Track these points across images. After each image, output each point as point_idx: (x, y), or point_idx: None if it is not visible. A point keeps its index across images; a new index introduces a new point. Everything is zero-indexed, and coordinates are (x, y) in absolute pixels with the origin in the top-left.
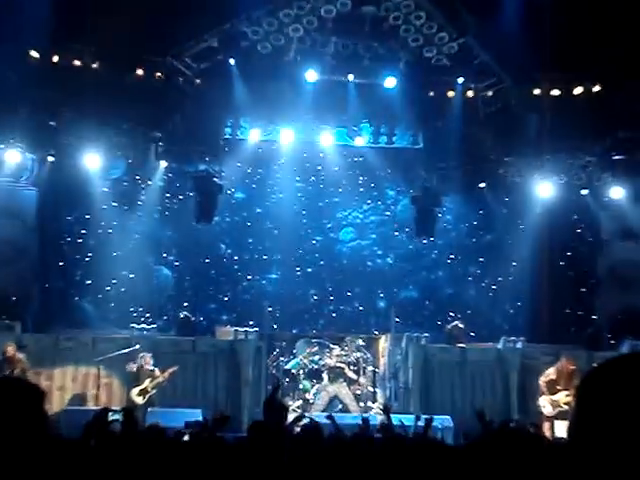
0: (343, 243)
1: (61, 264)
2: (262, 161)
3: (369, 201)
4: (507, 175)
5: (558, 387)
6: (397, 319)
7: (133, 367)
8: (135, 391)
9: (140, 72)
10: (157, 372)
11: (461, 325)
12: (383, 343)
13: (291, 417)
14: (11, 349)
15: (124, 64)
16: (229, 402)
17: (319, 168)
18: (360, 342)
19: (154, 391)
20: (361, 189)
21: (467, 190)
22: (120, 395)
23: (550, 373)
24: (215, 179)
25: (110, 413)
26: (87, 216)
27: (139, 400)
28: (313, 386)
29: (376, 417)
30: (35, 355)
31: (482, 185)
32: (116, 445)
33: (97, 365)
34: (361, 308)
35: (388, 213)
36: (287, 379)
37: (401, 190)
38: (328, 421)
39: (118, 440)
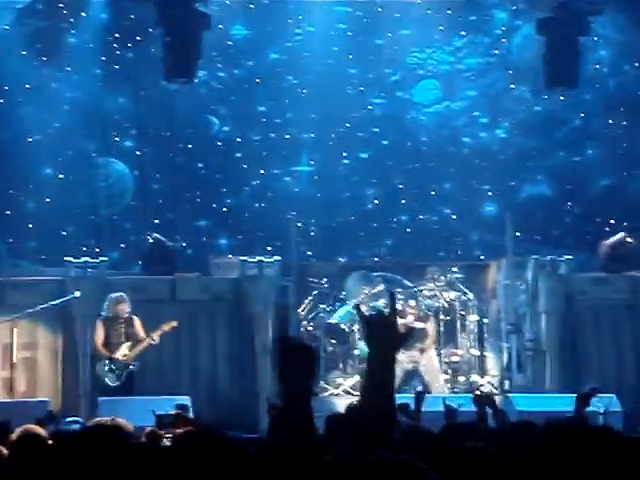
0: (420, 107)
1: None
2: None
3: (463, 32)
4: None
5: None
6: (517, 233)
7: (98, 324)
8: (104, 366)
9: None
10: (139, 326)
11: (630, 239)
12: (494, 275)
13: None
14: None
15: None
16: (235, 382)
17: None
18: (455, 274)
19: (137, 364)
20: (449, 11)
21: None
22: (50, 379)
23: None
24: (196, 4)
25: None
26: None
27: (111, 380)
28: None
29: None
30: None
31: None
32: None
33: (9, 328)
34: (455, 217)
35: (497, 51)
36: (332, 339)
37: (520, 10)
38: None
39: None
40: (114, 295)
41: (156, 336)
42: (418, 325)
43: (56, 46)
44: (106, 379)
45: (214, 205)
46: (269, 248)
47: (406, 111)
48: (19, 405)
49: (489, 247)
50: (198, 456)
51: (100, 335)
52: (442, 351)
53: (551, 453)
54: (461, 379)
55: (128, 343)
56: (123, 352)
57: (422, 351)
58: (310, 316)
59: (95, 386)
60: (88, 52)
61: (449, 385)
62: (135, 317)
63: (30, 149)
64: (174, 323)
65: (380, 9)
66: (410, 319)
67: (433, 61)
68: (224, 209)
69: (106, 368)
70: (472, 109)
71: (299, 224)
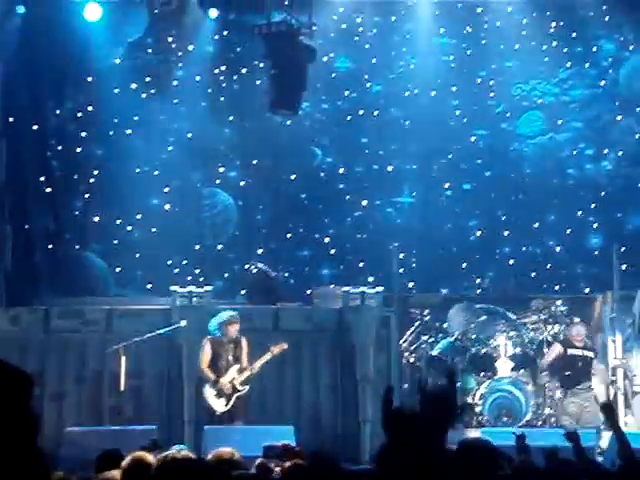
0: (524, 139)
1: (48, 190)
2: (381, 4)
3: (568, 63)
4: None
5: None
6: (624, 266)
7: (205, 344)
8: (210, 390)
9: None
10: (246, 349)
11: None
12: (600, 308)
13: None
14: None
15: None
16: (337, 412)
17: (479, 11)
18: (559, 307)
19: (245, 388)
20: (554, 42)
21: None
22: (156, 406)
23: None
24: (302, 37)
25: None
26: (89, 107)
27: (219, 405)
28: (480, 384)
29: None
30: (12, 342)
31: None
32: None
33: (117, 357)
34: (559, 249)
35: (603, 83)
36: (434, 371)
37: (627, 40)
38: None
39: None
40: (227, 314)
41: (268, 357)
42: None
43: (164, 79)
44: (213, 405)
45: (316, 235)
46: (371, 279)
47: (510, 143)
48: (126, 432)
49: (594, 280)
50: None
51: (207, 355)
52: (546, 385)
53: None
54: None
55: (237, 366)
56: (231, 376)
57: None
58: (412, 348)
59: (201, 413)
60: (195, 84)
61: (552, 419)
62: (244, 339)
63: (137, 180)
64: (284, 345)
65: (484, 41)
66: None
67: (538, 92)
68: (326, 239)
69: (214, 393)
70: (577, 141)
71: (401, 255)
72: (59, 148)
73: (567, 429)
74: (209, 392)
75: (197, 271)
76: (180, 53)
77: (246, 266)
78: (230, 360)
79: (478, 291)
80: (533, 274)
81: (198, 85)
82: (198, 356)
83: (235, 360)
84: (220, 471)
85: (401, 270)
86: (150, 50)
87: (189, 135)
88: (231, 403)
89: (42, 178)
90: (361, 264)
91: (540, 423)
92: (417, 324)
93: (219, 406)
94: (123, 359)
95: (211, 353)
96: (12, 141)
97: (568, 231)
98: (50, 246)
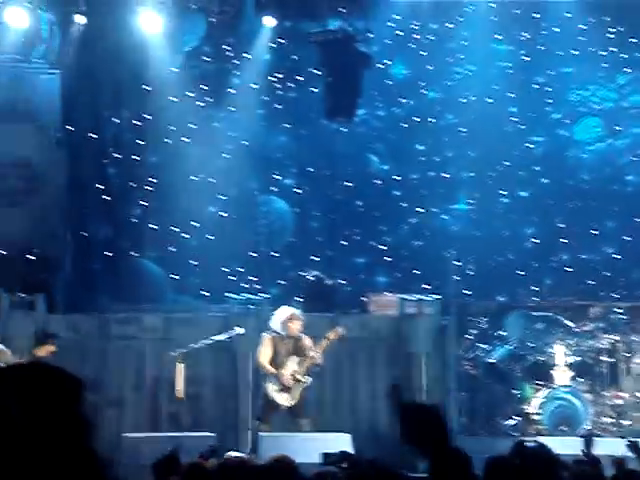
0: (582, 145)
1: (106, 198)
2: (437, 10)
3: (628, 69)
4: None
5: None
6: None
7: (265, 340)
8: (273, 386)
9: None
10: (308, 341)
11: None
12: None
13: None
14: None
15: None
16: (394, 420)
17: (536, 16)
18: (618, 315)
19: (308, 379)
20: (612, 48)
21: None
22: (214, 413)
23: None
24: (358, 44)
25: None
26: (146, 116)
27: (283, 400)
28: (537, 391)
29: None
30: (71, 349)
31: None
32: None
33: (174, 363)
34: (618, 256)
35: None
36: (492, 379)
37: None
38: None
39: None
40: (289, 311)
41: (324, 344)
42: None
43: (221, 87)
44: (278, 400)
45: (372, 243)
46: (427, 286)
47: (567, 149)
48: (185, 439)
49: None
50: None
51: (267, 352)
52: (605, 393)
53: None
54: (625, 423)
55: (296, 358)
56: (292, 368)
57: None
58: (469, 355)
59: (258, 417)
60: (251, 92)
61: (613, 429)
62: (306, 336)
63: (194, 187)
64: (339, 330)
65: (542, 47)
66: None
67: (596, 98)
68: (382, 247)
69: (276, 388)
70: (636, 147)
71: (457, 262)
72: (117, 156)
73: (630, 439)
74: (272, 388)
75: (253, 278)
76: (236, 61)
77: (302, 273)
78: (290, 353)
79: (535, 298)
80: (591, 282)
81: (254, 93)
82: (256, 356)
83: (295, 353)
84: (277, 477)
85: (457, 277)
86: (207, 58)
87: (245, 143)
88: (295, 396)
89: (100, 186)
90: (417, 271)
91: (600, 432)
92: (474, 332)
93: (283, 400)
94: (181, 366)
95: (272, 350)
96: (72, 150)
97: (627, 238)
98: (108, 253)
